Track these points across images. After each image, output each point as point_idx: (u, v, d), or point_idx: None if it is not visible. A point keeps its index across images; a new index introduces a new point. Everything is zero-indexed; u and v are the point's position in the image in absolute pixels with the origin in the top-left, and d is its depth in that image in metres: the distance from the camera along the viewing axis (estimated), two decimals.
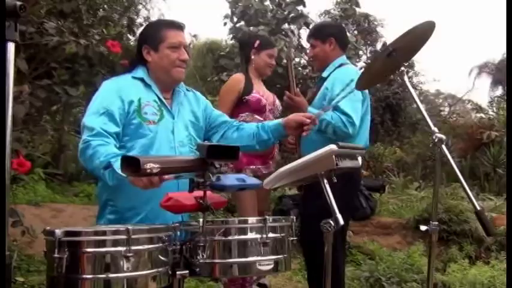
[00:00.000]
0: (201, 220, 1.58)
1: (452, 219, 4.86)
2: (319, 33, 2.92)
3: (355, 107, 2.67)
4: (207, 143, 1.41)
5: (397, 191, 6.87)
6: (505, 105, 9.49)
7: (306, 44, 8.43)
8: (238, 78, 3.25)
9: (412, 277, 3.89)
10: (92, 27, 3.33)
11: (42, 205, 5.10)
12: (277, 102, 3.31)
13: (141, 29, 2.44)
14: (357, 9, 9.61)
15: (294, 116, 2.12)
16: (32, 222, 3.10)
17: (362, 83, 2.11)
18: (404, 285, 3.78)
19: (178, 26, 2.11)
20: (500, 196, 6.63)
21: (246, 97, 3.14)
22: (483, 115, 10.28)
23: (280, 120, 2.16)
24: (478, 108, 10.60)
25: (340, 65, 2.88)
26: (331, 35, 2.89)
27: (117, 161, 1.66)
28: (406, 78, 1.96)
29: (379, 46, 10.63)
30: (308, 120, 2.07)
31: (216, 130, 2.22)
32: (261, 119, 3.07)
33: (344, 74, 2.72)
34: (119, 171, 1.57)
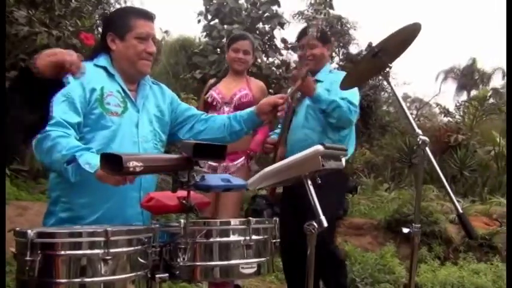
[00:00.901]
0: (182, 221, 1.51)
1: (422, 220, 4.92)
2: (322, 35, 2.91)
3: (358, 100, 2.77)
4: (192, 141, 1.34)
5: (368, 192, 6.94)
6: (471, 110, 9.76)
7: (279, 44, 8.45)
8: (208, 82, 3.43)
9: (385, 278, 3.92)
10: (64, 19, 3.19)
11: (7, 203, 4.88)
12: (240, 94, 3.24)
13: None
14: (330, 11, 9.69)
15: (266, 99, 2.08)
16: None
17: (347, 83, 2.09)
18: (378, 286, 3.80)
19: (149, 16, 1.98)
20: (466, 198, 6.78)
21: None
22: (450, 119, 10.53)
23: (252, 108, 2.11)
24: (446, 112, 10.86)
25: (330, 71, 2.98)
26: (330, 41, 2.98)
27: (82, 155, 1.58)
28: (391, 79, 1.94)
29: (351, 48, 10.75)
30: (281, 101, 2.04)
31: (184, 124, 2.13)
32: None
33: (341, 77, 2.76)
34: (86, 166, 1.48)
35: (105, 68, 1.96)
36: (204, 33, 8.17)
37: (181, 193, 1.45)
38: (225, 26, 7.74)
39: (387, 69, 1.96)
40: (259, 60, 7.68)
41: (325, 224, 1.67)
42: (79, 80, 1.77)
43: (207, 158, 1.41)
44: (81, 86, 1.83)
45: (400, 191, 6.66)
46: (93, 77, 1.88)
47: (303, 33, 2.95)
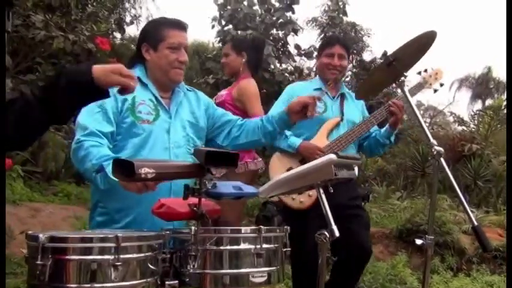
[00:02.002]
0: (193, 228, 1.51)
1: (434, 231, 4.85)
2: (349, 48, 2.94)
3: None
4: (204, 148, 1.34)
5: (380, 201, 6.87)
6: (486, 119, 9.62)
7: (293, 51, 8.44)
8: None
9: None
10: (81, 23, 3.23)
11: (20, 204, 4.94)
12: (216, 96, 3.26)
13: (131, 26, 2.35)
14: (344, 18, 9.66)
15: (297, 98, 2.10)
16: (9, 222, 2.97)
17: (361, 93, 2.07)
18: None
19: (181, 26, 2.04)
20: (480, 208, 6.68)
21: None
22: (465, 128, 10.40)
23: (284, 108, 2.14)
24: (460, 121, 10.72)
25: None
26: (350, 53, 2.97)
27: (110, 164, 1.59)
28: (406, 88, 1.92)
29: (365, 55, 10.69)
30: (311, 100, 2.04)
31: (221, 129, 2.17)
32: None
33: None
34: (111, 175, 1.48)
35: (138, 78, 2.00)
36: (218, 39, 8.19)
37: (193, 200, 1.45)
38: (239, 32, 7.74)
39: (402, 78, 1.94)
40: (272, 66, 7.67)
41: (337, 233, 1.65)
42: (111, 90, 1.83)
43: (220, 165, 1.40)
44: (113, 96, 1.89)
45: (412, 200, 6.58)
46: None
47: (334, 42, 2.91)
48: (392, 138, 2.83)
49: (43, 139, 6.72)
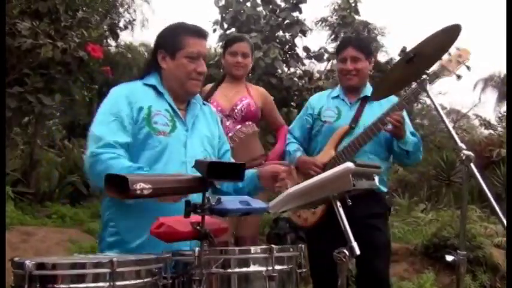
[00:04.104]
0: (197, 249, 1.46)
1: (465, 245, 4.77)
2: (366, 47, 2.85)
3: None
4: (207, 159, 1.29)
5: (402, 214, 6.78)
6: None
7: (301, 53, 8.44)
8: (203, 90, 3.23)
9: None
10: (71, 29, 3.23)
11: (11, 228, 4.92)
12: (241, 104, 3.13)
13: (125, 32, 2.34)
14: (356, 17, 9.65)
15: (270, 167, 2.02)
16: None
17: (379, 93, 2.02)
18: None
19: (201, 34, 2.04)
20: None
21: None
22: (492, 131, 10.31)
23: (255, 169, 2.07)
24: (487, 124, 10.64)
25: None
26: (372, 53, 2.89)
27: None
28: (428, 87, 1.87)
29: (380, 56, 10.67)
30: (283, 173, 1.95)
31: None
32: None
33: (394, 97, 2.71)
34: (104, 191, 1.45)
35: (154, 87, 2.03)
36: (220, 44, 8.20)
37: (195, 218, 1.40)
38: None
39: (424, 76, 1.89)
40: (279, 71, 7.65)
41: (358, 251, 1.60)
42: (127, 98, 1.92)
43: (223, 179, 1.36)
44: (128, 105, 1.91)
45: (438, 212, 6.49)
46: (141, 96, 1.97)
47: (345, 44, 2.86)
48: (408, 147, 2.70)
49: (35, 158, 6.75)
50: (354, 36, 3.16)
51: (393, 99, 2.66)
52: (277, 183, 1.96)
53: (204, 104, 2.19)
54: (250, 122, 3.12)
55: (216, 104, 3.09)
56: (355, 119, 2.76)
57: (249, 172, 2.04)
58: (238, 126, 3.07)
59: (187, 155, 1.94)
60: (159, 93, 2.01)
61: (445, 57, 2.30)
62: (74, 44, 3.00)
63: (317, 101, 2.93)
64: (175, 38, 2.02)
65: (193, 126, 2.04)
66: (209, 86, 3.26)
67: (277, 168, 1.97)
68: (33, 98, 3.07)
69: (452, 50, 2.29)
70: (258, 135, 3.28)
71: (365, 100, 2.80)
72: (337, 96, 2.87)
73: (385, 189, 2.79)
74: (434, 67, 2.34)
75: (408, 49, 1.91)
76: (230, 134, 3.00)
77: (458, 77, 2.26)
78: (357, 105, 2.81)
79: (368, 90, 2.83)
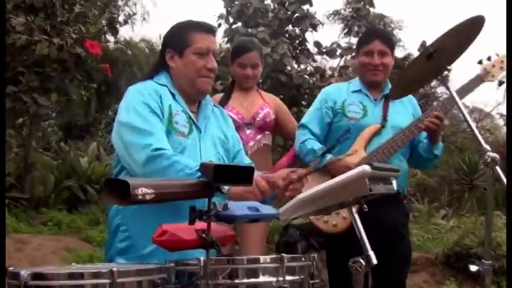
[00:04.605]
0: (202, 258, 1.46)
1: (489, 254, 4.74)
2: (392, 42, 2.85)
3: None
4: (213, 162, 1.30)
5: (422, 221, 6.77)
6: None
7: (312, 49, 8.43)
8: (213, 98, 3.26)
9: None
10: (67, 25, 3.24)
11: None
12: (263, 112, 3.16)
13: (125, 27, 2.36)
14: (371, 9, 9.63)
15: (264, 176, 1.90)
16: None
17: (397, 91, 2.02)
18: None
19: (209, 29, 2.07)
20: None
21: None
22: None
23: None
24: None
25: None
26: (394, 47, 2.86)
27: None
28: (450, 85, 1.87)
29: (397, 52, 10.63)
30: (281, 183, 1.88)
31: None
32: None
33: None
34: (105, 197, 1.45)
35: (166, 87, 2.05)
36: (226, 39, 8.21)
37: (201, 225, 1.40)
38: (249, 30, 7.75)
39: (445, 72, 1.88)
40: (289, 68, 7.65)
41: (374, 260, 1.59)
42: (157, 93, 1.96)
43: (231, 183, 1.36)
44: (159, 100, 1.95)
45: (460, 219, 6.48)
46: (164, 94, 1.99)
47: (371, 37, 2.83)
48: (437, 151, 2.72)
49: (29, 161, 6.80)
50: (380, 29, 3.11)
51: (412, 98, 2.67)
52: (288, 192, 1.93)
53: (215, 106, 2.21)
54: (268, 132, 3.17)
55: (235, 112, 3.12)
56: (384, 118, 2.74)
57: None
58: (259, 136, 3.12)
59: (202, 158, 1.94)
60: (172, 94, 2.04)
61: (488, 63, 2.51)
62: (70, 41, 3.02)
63: (337, 93, 2.87)
64: (182, 35, 2.04)
65: (206, 128, 2.07)
66: (219, 96, 3.28)
67: (277, 180, 1.92)
68: (28, 98, 3.10)
69: (493, 56, 2.52)
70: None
71: (387, 97, 2.79)
72: (359, 91, 2.83)
73: (405, 192, 2.80)
74: (478, 71, 2.52)
75: (428, 43, 1.91)
76: (251, 144, 3.05)
77: (501, 83, 2.41)
78: (381, 102, 2.80)
79: (389, 87, 2.82)
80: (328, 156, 2.72)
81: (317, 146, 2.78)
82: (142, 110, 1.90)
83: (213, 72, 2.06)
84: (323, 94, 2.92)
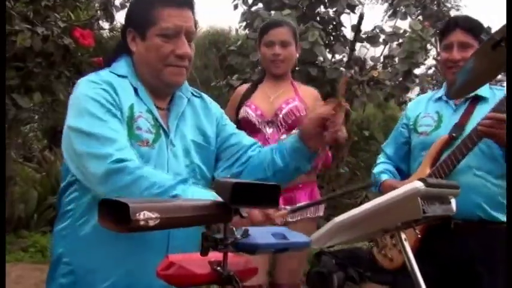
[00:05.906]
0: None
1: None
2: (477, 30, 2.79)
3: None
4: (230, 179, 1.30)
5: None
6: None
7: (349, 35, 8.41)
8: (237, 90, 3.37)
9: None
10: (54, 11, 3.29)
11: None
12: (287, 108, 3.18)
13: (122, 12, 2.37)
14: None
15: (313, 114, 1.89)
16: None
17: (456, 89, 2.00)
18: None
19: (179, 2, 1.89)
20: None
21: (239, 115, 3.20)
22: None
23: (296, 131, 2.00)
24: None
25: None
26: (481, 37, 2.79)
27: (185, 191, 1.62)
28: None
29: None
30: (331, 111, 1.80)
31: (223, 156, 2.07)
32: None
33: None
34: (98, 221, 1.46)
35: (127, 78, 1.93)
36: (244, 24, 8.24)
37: (215, 256, 1.41)
38: (272, 13, 7.77)
39: None
40: (321, 59, 7.64)
41: None
42: (113, 89, 1.83)
43: (253, 205, 1.36)
44: (117, 98, 1.83)
45: None
46: (122, 90, 1.87)
47: (450, 26, 2.80)
48: None
49: (8, 173, 6.89)
50: (462, 16, 3.04)
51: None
52: (331, 129, 1.82)
53: (194, 95, 2.09)
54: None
55: (254, 108, 3.17)
56: (459, 126, 2.71)
57: (288, 139, 1.98)
58: (283, 136, 3.08)
59: (169, 171, 1.85)
60: (134, 88, 1.91)
61: None
62: (57, 30, 3.06)
63: (414, 107, 2.93)
64: (145, 10, 1.88)
65: (177, 130, 1.95)
66: (245, 86, 3.33)
67: (322, 110, 1.84)
68: (6, 99, 3.14)
69: None
70: None
71: (476, 100, 2.75)
72: (440, 98, 2.84)
73: (504, 218, 2.62)
74: None
75: (494, 30, 1.89)
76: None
77: None
78: (464, 107, 2.77)
79: (486, 89, 2.75)
80: (384, 177, 2.75)
81: (378, 169, 2.90)
82: (97, 110, 1.76)
83: (185, 59, 1.91)
84: (405, 110, 3.02)
